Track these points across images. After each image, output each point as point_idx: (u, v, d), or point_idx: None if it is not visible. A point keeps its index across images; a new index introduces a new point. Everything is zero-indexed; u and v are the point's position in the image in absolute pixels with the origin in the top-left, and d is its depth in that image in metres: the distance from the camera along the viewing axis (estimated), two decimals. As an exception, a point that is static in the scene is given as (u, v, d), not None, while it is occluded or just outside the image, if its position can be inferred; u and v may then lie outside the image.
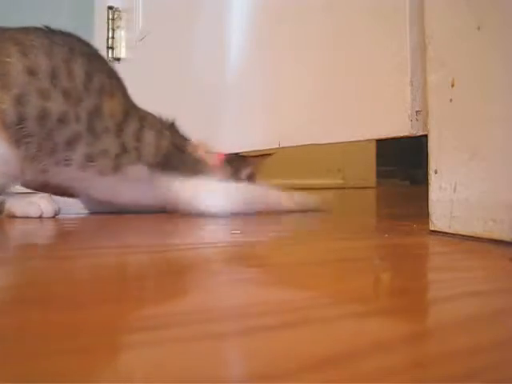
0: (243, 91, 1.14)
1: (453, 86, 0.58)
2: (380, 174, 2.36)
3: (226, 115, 1.18)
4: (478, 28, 0.54)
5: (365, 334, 0.26)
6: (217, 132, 1.16)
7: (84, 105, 0.81)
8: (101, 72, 0.85)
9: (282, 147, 1.02)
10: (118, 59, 1.67)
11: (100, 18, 1.71)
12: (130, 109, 0.88)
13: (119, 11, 1.69)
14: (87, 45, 0.88)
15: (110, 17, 1.69)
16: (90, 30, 1.76)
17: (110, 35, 1.68)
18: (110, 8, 1.69)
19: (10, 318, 0.28)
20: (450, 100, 0.58)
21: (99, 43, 1.70)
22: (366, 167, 2.25)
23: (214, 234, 0.71)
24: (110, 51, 1.67)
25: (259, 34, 1.11)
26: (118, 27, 1.69)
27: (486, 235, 0.53)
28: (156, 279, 0.40)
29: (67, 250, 0.54)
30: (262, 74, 1.09)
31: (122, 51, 1.68)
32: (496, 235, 0.52)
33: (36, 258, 0.48)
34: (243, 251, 0.54)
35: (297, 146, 0.98)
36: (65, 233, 0.71)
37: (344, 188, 2.14)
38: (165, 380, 0.20)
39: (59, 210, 0.81)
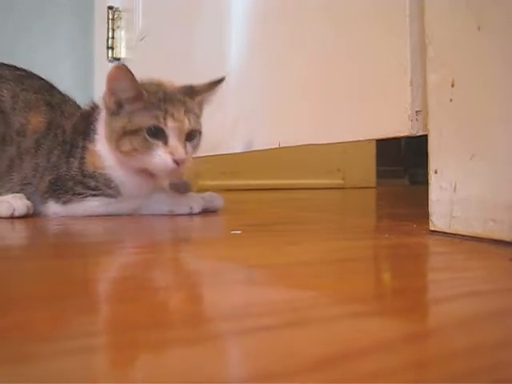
0: (243, 91, 1.14)
1: (453, 86, 0.58)
2: (380, 174, 2.35)
3: (225, 115, 1.18)
4: (478, 28, 0.54)
5: (365, 333, 0.26)
6: (217, 132, 1.16)
7: (13, 125, 0.83)
8: (26, 90, 0.86)
9: (282, 147, 1.02)
10: (118, 59, 1.67)
11: (100, 17, 1.71)
12: (54, 120, 0.86)
13: (119, 11, 1.69)
14: (16, 68, 0.90)
15: (110, 17, 1.68)
16: (90, 29, 1.76)
17: (110, 35, 1.68)
18: (110, 8, 1.69)
19: None
20: (450, 100, 0.58)
21: (99, 43, 1.71)
22: (366, 167, 2.25)
23: (213, 234, 0.71)
24: (109, 51, 1.67)
25: (259, 34, 1.11)
26: (117, 27, 1.68)
27: (486, 235, 0.53)
28: (156, 279, 0.40)
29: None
30: (262, 74, 1.09)
31: (122, 51, 1.68)
32: (496, 235, 0.52)
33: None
34: (244, 251, 0.54)
35: (297, 146, 0.98)
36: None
37: (344, 188, 2.14)
38: (165, 380, 0.20)
39: (32, 208, 0.80)
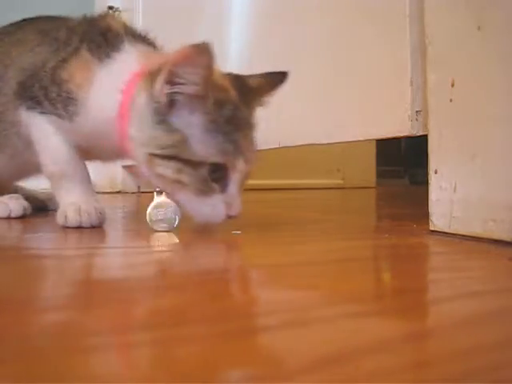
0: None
1: (453, 86, 0.58)
2: (380, 174, 2.36)
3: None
4: (478, 28, 0.54)
5: (365, 333, 0.26)
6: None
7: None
8: (18, 35, 0.77)
9: (282, 147, 1.02)
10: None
11: (100, 17, 1.71)
12: (46, 37, 0.72)
13: (119, 11, 1.69)
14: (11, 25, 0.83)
15: (110, 17, 1.69)
16: (90, 30, 1.76)
17: (110, 35, 1.68)
18: (110, 8, 1.69)
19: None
20: (450, 100, 0.58)
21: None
22: (366, 167, 2.25)
23: (213, 234, 0.71)
24: (110, 51, 1.67)
25: (259, 33, 1.11)
26: (118, 27, 1.69)
27: (486, 235, 0.53)
28: (155, 279, 0.40)
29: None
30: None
31: (122, 51, 1.68)
32: (496, 235, 0.52)
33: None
34: (244, 251, 0.54)
35: (297, 146, 0.98)
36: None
37: (344, 188, 2.14)
38: (165, 380, 0.20)
39: (29, 209, 0.77)
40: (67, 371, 0.21)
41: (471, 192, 0.56)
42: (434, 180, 0.60)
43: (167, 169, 0.57)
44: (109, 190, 1.59)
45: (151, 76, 0.58)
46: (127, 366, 0.22)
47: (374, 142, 2.11)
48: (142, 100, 0.58)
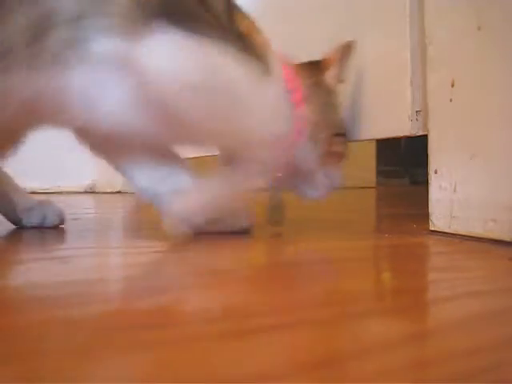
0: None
1: (453, 86, 0.58)
2: (380, 174, 2.35)
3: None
4: (478, 28, 0.54)
5: (365, 333, 0.26)
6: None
7: None
8: None
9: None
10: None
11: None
12: None
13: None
14: None
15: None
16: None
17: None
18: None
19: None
20: (450, 100, 0.58)
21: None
22: (366, 167, 2.24)
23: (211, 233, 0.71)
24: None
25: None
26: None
27: (486, 235, 0.53)
28: (154, 279, 0.40)
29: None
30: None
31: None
32: (496, 235, 0.52)
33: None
34: (243, 251, 0.54)
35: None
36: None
37: (344, 188, 2.14)
38: (165, 380, 0.20)
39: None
40: (65, 372, 0.21)
41: (471, 192, 0.56)
42: (433, 180, 0.61)
43: (336, 144, 0.68)
44: (109, 190, 1.59)
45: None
46: (126, 366, 0.22)
47: (374, 142, 2.10)
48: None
